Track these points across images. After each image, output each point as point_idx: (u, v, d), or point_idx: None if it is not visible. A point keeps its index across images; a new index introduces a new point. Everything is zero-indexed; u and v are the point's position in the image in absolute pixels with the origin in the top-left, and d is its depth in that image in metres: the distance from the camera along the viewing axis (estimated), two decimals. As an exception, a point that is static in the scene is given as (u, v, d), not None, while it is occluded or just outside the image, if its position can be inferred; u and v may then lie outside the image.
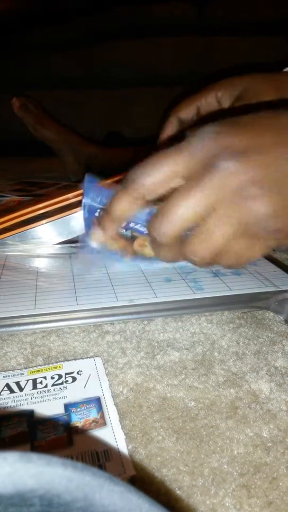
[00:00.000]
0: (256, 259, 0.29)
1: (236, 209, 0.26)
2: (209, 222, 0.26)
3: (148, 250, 0.34)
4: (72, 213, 0.46)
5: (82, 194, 0.43)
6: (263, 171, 0.25)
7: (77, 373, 0.31)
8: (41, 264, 0.47)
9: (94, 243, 0.35)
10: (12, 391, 0.29)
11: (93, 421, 0.26)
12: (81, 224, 0.42)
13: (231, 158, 0.25)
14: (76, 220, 0.46)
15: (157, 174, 0.27)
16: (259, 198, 0.25)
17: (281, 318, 0.40)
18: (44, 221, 0.46)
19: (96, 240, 0.34)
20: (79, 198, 0.46)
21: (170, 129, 0.43)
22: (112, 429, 0.26)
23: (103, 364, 0.32)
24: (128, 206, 0.29)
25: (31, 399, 0.28)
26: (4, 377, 0.31)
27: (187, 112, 0.43)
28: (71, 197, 0.48)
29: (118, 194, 0.29)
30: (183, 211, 0.26)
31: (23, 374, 0.31)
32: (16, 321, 0.35)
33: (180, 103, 0.44)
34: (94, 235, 0.33)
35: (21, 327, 0.35)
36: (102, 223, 0.32)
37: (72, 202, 0.48)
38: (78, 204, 0.46)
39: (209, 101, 0.43)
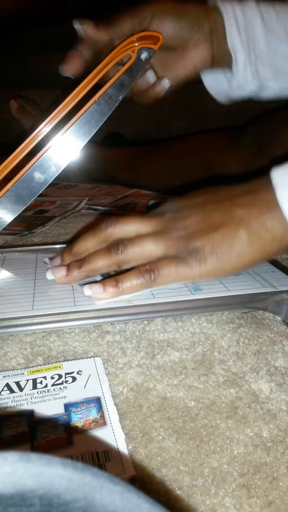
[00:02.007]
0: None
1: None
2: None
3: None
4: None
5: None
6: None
7: (77, 373, 0.31)
8: (38, 263, 0.47)
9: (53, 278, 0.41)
10: (12, 391, 0.29)
11: (93, 421, 0.26)
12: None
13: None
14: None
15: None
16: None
17: (279, 318, 0.40)
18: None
19: (59, 280, 0.40)
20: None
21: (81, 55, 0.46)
22: (112, 429, 0.26)
23: (103, 364, 0.32)
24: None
25: (31, 399, 0.29)
26: (4, 377, 0.31)
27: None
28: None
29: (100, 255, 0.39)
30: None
31: (23, 374, 0.31)
32: (13, 322, 0.35)
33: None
34: (58, 277, 0.40)
35: (18, 328, 0.35)
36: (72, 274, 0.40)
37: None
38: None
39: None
